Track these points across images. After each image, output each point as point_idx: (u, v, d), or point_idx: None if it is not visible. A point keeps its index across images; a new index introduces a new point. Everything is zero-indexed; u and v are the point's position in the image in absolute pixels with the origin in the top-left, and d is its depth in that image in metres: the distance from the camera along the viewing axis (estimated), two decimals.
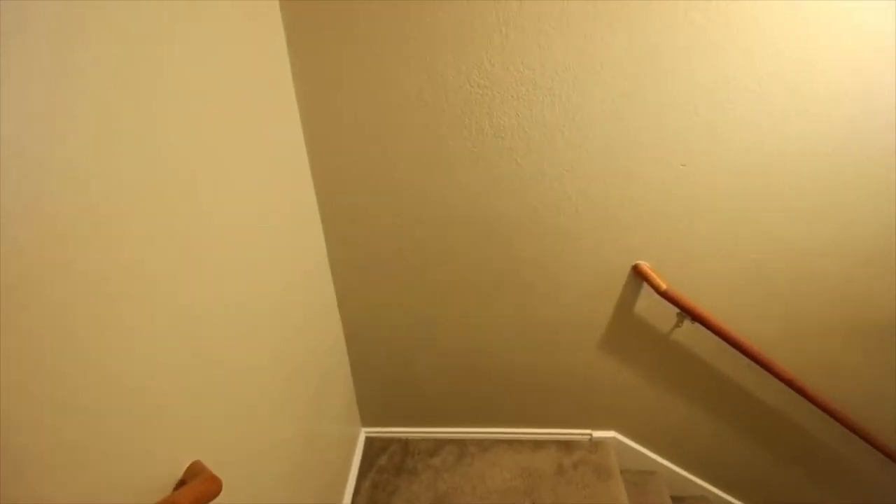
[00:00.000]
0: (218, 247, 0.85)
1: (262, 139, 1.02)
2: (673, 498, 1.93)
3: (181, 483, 0.71)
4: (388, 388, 1.74)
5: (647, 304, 1.48)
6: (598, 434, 1.80)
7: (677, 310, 1.44)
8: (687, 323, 1.47)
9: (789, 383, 1.55)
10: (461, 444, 1.80)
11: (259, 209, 1.02)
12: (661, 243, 1.36)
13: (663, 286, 1.34)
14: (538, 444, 1.80)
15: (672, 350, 1.58)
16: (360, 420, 1.85)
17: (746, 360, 1.51)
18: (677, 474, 1.92)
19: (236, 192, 0.92)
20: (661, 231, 1.34)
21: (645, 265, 1.39)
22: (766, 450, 1.87)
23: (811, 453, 1.89)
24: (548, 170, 1.24)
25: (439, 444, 1.80)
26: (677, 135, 1.19)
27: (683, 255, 1.39)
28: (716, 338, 1.45)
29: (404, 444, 1.82)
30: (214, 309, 0.85)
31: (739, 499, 2.03)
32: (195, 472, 0.71)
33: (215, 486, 0.68)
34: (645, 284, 1.42)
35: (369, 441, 1.84)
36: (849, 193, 1.28)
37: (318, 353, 1.40)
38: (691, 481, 1.95)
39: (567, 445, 1.79)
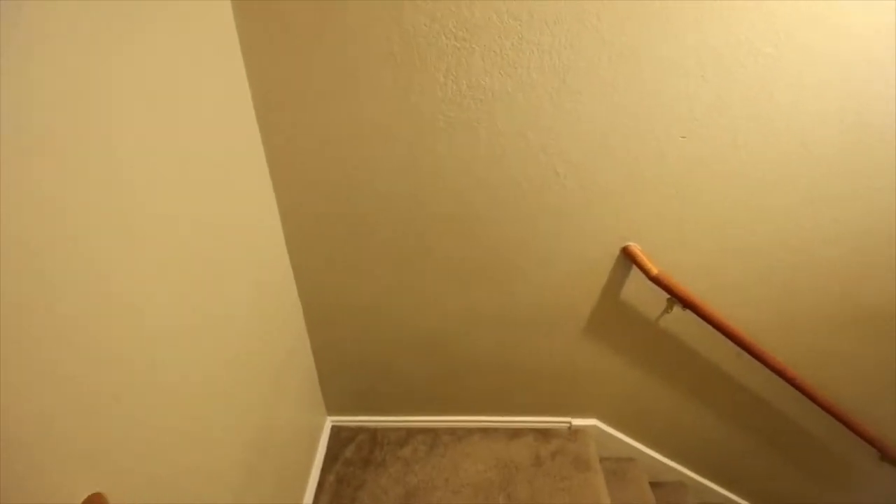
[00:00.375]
0: (158, 227, 0.70)
1: (204, 106, 0.85)
2: (651, 484, 1.89)
3: None
4: (356, 375, 1.62)
5: (636, 289, 1.38)
6: (577, 422, 1.73)
7: (667, 295, 1.35)
8: (677, 309, 1.38)
9: (780, 373, 1.49)
10: (433, 433, 1.71)
11: (205, 184, 0.86)
12: (654, 225, 1.25)
13: (654, 270, 1.23)
14: (515, 433, 1.72)
15: (659, 336, 1.49)
16: (325, 408, 1.73)
17: (735, 348, 1.44)
18: (657, 461, 1.88)
19: (175, 161, 0.75)
20: (655, 211, 1.23)
21: (636, 247, 1.28)
22: (750, 438, 1.84)
23: (796, 442, 1.86)
24: (533, 139, 1.10)
25: (410, 434, 1.71)
26: (680, 102, 1.06)
27: (677, 238, 1.28)
28: (705, 325, 1.37)
29: (373, 434, 1.72)
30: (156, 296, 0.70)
31: (719, 485, 2.02)
32: None
33: None
34: (634, 268, 1.32)
35: (335, 431, 1.73)
36: (855, 177, 1.19)
37: (273, 337, 1.26)
38: (670, 467, 1.91)
39: (545, 434, 1.72)
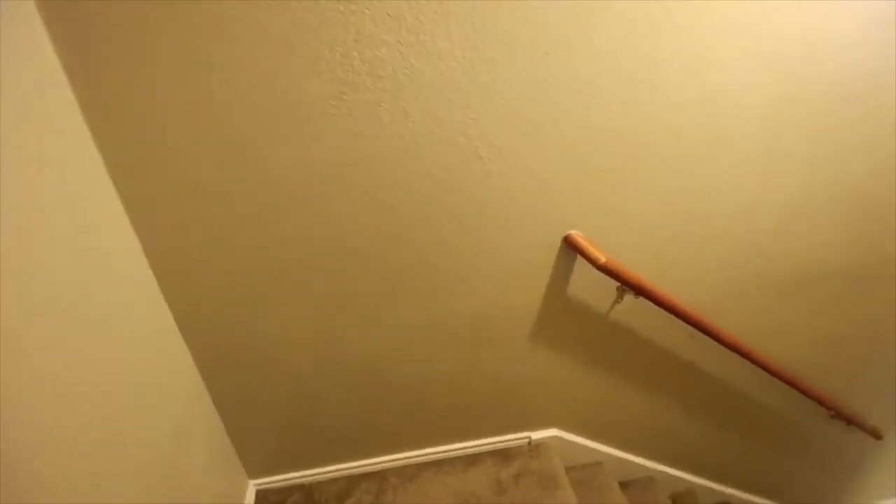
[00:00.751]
0: None
1: None
2: (621, 484, 1.78)
3: None
4: (276, 425, 1.36)
5: (583, 282, 1.25)
6: (537, 435, 1.57)
7: (617, 284, 1.23)
8: (628, 298, 1.27)
9: (735, 348, 1.43)
10: (379, 477, 1.48)
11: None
12: (596, 209, 1.13)
13: (602, 259, 1.10)
14: (472, 460, 1.54)
15: (612, 330, 1.37)
16: (244, 471, 1.45)
17: (689, 331, 1.35)
18: (623, 460, 1.77)
19: None
20: (596, 195, 1.10)
21: (578, 236, 1.15)
22: (710, 420, 1.79)
23: (754, 416, 1.83)
24: (447, 119, 0.93)
25: (352, 483, 1.47)
26: (617, 68, 0.93)
27: (622, 222, 1.17)
28: (658, 310, 1.27)
29: (308, 491, 1.46)
30: None
31: (686, 472, 1.95)
32: None
33: None
34: (579, 258, 1.18)
35: (261, 496, 1.46)
36: (790, 144, 1.14)
37: (156, 399, 0.99)
38: (637, 464, 1.82)
39: (504, 455, 1.55)
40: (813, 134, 1.14)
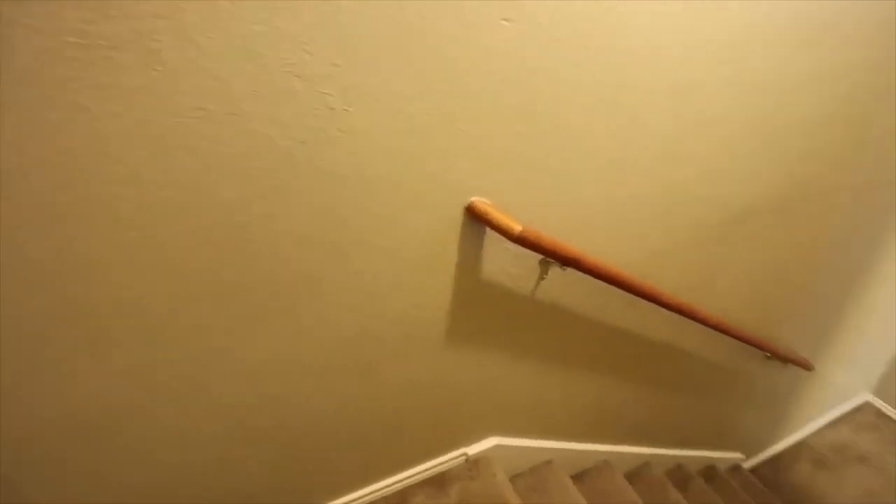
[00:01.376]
0: None
1: None
2: (575, 478, 1.62)
3: None
4: None
5: (499, 259, 1.01)
6: (474, 449, 1.34)
7: (540, 256, 1.01)
8: (555, 271, 1.06)
9: (677, 308, 1.28)
10: None
11: None
12: (504, 168, 0.89)
13: (517, 228, 0.87)
14: (403, 496, 1.27)
15: (541, 311, 1.16)
16: None
17: (627, 298, 1.18)
18: (573, 451, 1.60)
19: None
20: (504, 149, 0.87)
21: (484, 203, 0.91)
22: (656, 387, 1.66)
23: (701, 374, 1.74)
24: (272, 57, 0.63)
25: None
26: None
27: (538, 182, 0.94)
28: (590, 280, 1.07)
29: None
30: None
31: (642, 446, 1.83)
32: None
33: None
34: (489, 231, 0.95)
35: None
36: (705, 84, 0.97)
37: None
38: (590, 451, 1.66)
39: (440, 481, 1.31)
40: (728, 71, 0.99)
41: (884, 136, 1.46)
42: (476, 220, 0.91)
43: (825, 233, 1.59)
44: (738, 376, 1.94)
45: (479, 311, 1.07)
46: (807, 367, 2.03)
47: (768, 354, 1.84)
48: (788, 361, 1.92)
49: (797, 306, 1.80)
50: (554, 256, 0.97)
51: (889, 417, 2.95)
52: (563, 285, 1.13)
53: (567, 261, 0.98)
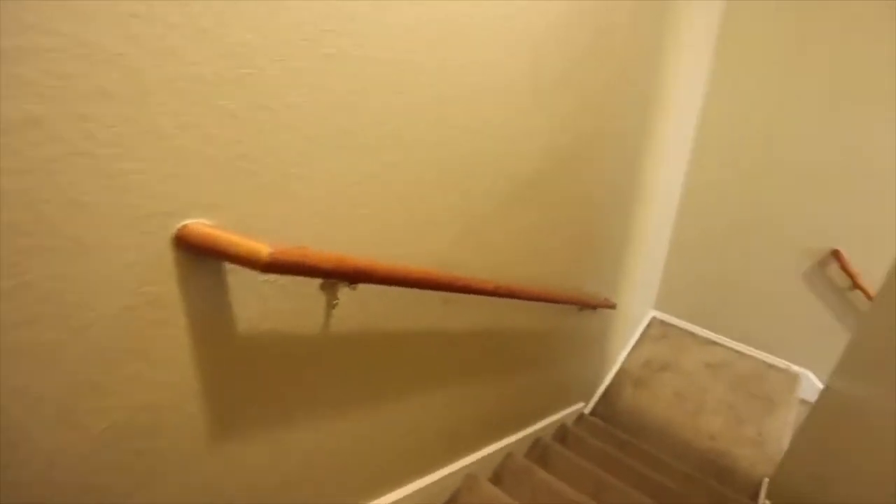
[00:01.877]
0: None
1: None
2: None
3: None
4: None
5: (260, 298, 0.72)
6: None
7: (319, 280, 0.75)
8: (346, 292, 0.81)
9: (494, 291, 1.15)
10: None
11: None
12: (224, 173, 0.59)
13: (264, 252, 0.58)
14: None
15: (345, 346, 0.91)
16: None
17: (440, 297, 1.00)
18: (435, 482, 1.39)
19: None
20: (226, 144, 0.57)
21: (204, 227, 0.60)
22: (495, 377, 1.55)
23: (529, 346, 1.69)
24: None
25: None
26: None
27: (280, 184, 0.67)
28: (393, 290, 0.85)
29: None
30: None
31: (496, 442, 1.72)
32: None
33: None
34: (227, 266, 0.64)
35: None
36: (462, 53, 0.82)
37: None
38: (453, 472, 1.47)
39: None
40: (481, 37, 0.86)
41: (633, 85, 1.58)
42: (200, 251, 0.60)
43: (601, 178, 1.68)
44: (561, 334, 1.99)
45: (253, 377, 0.75)
46: (611, 306, 2.19)
47: (580, 307, 1.91)
48: (597, 307, 2.03)
49: (592, 254, 1.90)
50: (334, 275, 0.71)
51: (671, 325, 3.52)
52: (361, 305, 0.89)
53: (354, 276, 0.74)
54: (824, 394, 1.97)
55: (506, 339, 1.52)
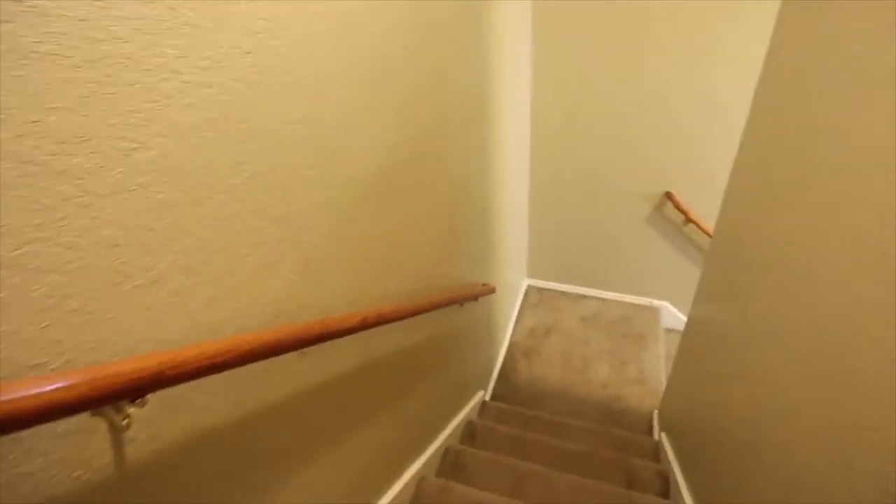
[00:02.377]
0: None
1: None
2: None
3: None
4: None
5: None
6: None
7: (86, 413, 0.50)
8: (138, 412, 0.56)
9: (361, 327, 0.97)
10: None
11: None
12: None
13: None
14: None
15: (168, 470, 0.65)
16: None
17: (293, 356, 0.79)
18: None
19: None
20: None
21: None
22: (395, 399, 1.38)
23: (420, 359, 1.54)
24: None
25: None
26: None
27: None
28: (232, 371, 0.63)
29: None
30: None
31: (410, 464, 1.55)
32: None
33: None
34: None
35: None
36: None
37: None
38: None
39: None
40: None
41: (465, 70, 1.48)
42: None
43: (453, 164, 1.57)
44: (449, 335, 1.88)
45: None
46: (490, 291, 2.14)
47: (461, 303, 1.81)
48: (478, 297, 1.96)
49: (462, 242, 1.81)
50: (113, 397, 0.46)
51: (545, 289, 3.67)
52: (173, 406, 0.64)
53: (155, 383, 0.50)
54: (688, 325, 2.14)
55: (392, 364, 1.35)
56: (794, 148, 1.11)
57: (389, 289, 1.22)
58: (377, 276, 1.17)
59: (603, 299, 3.54)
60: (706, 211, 2.81)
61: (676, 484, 1.88)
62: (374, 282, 1.15)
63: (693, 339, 2.06)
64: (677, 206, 2.81)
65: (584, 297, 3.58)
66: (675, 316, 3.40)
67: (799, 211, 1.04)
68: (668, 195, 2.82)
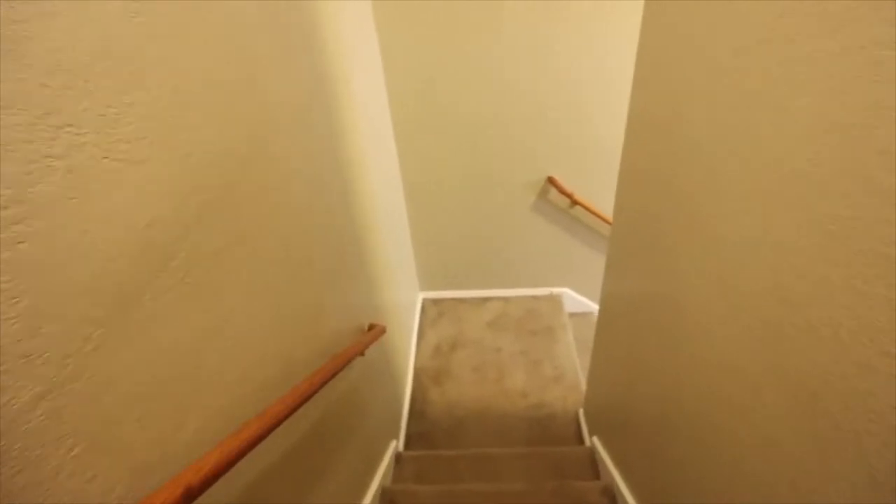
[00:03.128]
0: None
1: None
2: None
3: None
4: None
5: None
6: None
7: None
8: None
9: (261, 436, 0.60)
10: None
11: None
12: None
13: None
14: None
15: None
16: None
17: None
18: None
19: None
20: None
21: None
22: (312, 483, 1.00)
23: (325, 433, 1.17)
24: None
25: None
26: None
27: None
28: None
29: None
30: None
31: None
32: None
33: None
34: None
35: None
36: None
37: None
38: None
39: None
40: None
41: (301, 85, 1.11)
42: None
43: (285, 194, 1.21)
44: (342, 399, 1.53)
45: None
46: (380, 333, 1.82)
47: (350, 363, 1.47)
48: (369, 345, 1.63)
49: (331, 290, 1.46)
50: None
51: (442, 300, 3.42)
52: None
53: None
54: (601, 313, 2.01)
55: (295, 457, 0.97)
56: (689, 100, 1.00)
57: (271, 372, 0.85)
58: (250, 368, 0.79)
59: (505, 298, 3.40)
60: (591, 190, 2.76)
61: (622, 495, 1.75)
62: (249, 374, 0.77)
63: (608, 327, 1.95)
64: (561, 190, 2.72)
65: (485, 299, 3.40)
66: (576, 300, 3.36)
67: (697, 166, 1.01)
68: (551, 180, 2.71)
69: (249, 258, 0.89)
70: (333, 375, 1.25)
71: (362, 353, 1.51)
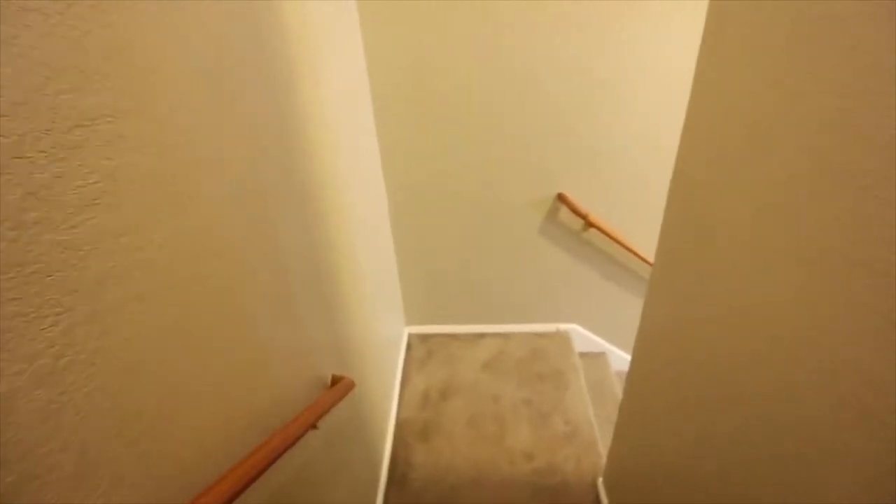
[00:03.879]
0: None
1: None
2: None
3: None
4: None
5: None
6: None
7: None
8: None
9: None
10: None
11: None
12: None
13: None
14: None
15: None
16: None
17: None
18: None
19: None
20: None
21: None
22: None
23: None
24: None
25: None
26: None
27: None
28: None
29: None
30: None
31: None
32: None
33: None
34: None
35: None
36: None
37: None
38: None
39: None
40: None
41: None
42: None
43: (272, 242, 0.83)
44: (307, 471, 1.12)
45: None
46: (348, 389, 1.41)
47: (314, 427, 1.06)
48: (329, 409, 1.22)
49: (287, 334, 1.06)
50: None
51: (431, 336, 3.02)
52: None
53: None
54: (630, 373, 1.64)
55: None
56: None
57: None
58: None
59: (504, 334, 2.99)
60: (609, 210, 2.40)
61: None
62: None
63: (637, 386, 1.57)
64: (574, 210, 2.35)
65: (480, 336, 3.00)
66: (586, 338, 2.97)
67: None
68: (562, 197, 2.34)
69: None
70: (271, 462, 0.84)
71: (315, 426, 1.09)
